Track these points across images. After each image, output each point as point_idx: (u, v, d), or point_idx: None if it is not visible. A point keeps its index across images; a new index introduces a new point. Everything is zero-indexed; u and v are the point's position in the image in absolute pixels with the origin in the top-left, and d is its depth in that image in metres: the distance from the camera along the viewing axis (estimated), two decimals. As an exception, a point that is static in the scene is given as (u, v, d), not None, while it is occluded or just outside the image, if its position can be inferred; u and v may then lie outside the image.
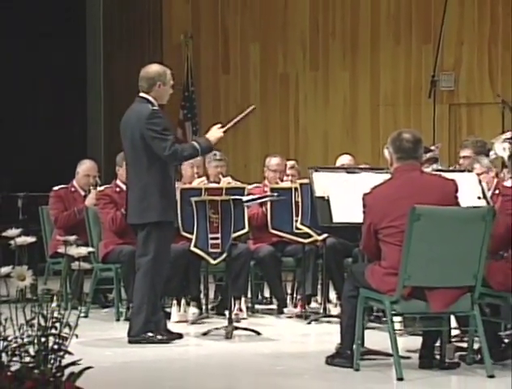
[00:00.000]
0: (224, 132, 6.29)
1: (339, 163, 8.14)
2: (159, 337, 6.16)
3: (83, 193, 8.12)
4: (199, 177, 7.77)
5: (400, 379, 4.96)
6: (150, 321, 6.17)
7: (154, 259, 6.15)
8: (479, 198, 5.80)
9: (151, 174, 6.15)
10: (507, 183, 5.74)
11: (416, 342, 5.51)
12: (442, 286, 5.11)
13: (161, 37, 12.96)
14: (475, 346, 5.36)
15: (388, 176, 5.40)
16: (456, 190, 5.26)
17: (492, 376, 5.03)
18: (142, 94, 6.28)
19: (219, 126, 6.30)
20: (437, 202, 5.14)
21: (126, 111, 6.38)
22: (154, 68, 6.35)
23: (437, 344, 5.36)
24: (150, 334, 6.15)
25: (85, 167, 8.23)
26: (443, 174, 5.57)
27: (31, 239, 3.69)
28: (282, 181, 8.05)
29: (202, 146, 6.22)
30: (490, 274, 5.25)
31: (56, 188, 8.17)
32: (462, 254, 5.10)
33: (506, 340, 5.60)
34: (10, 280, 3.57)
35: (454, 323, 5.63)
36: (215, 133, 6.27)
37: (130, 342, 6.15)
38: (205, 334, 6.60)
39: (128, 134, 6.23)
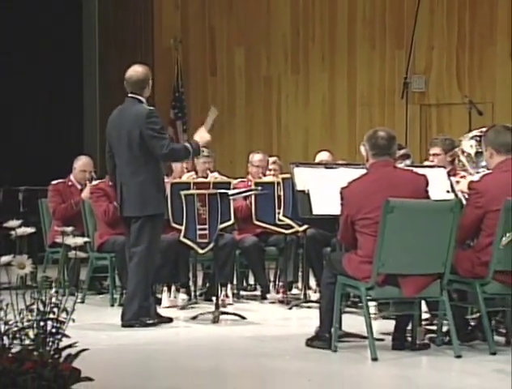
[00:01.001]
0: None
1: (318, 159, 8.14)
2: (150, 321, 6.16)
3: (79, 187, 8.14)
4: (188, 172, 7.77)
5: (375, 360, 4.97)
6: (143, 307, 6.16)
7: (147, 249, 6.14)
8: (447, 191, 5.81)
9: (147, 171, 6.14)
10: (474, 178, 5.75)
11: (390, 325, 5.52)
12: (414, 273, 5.12)
13: (152, 41, 12.93)
14: (444, 329, 5.37)
15: (364, 171, 5.40)
16: (427, 185, 5.27)
17: (459, 356, 5.06)
18: (132, 94, 6.25)
19: (203, 128, 6.31)
20: (409, 195, 5.15)
21: (117, 111, 6.32)
22: (142, 69, 6.31)
23: (409, 327, 5.37)
24: (142, 319, 6.15)
25: (81, 163, 8.24)
26: (415, 170, 5.58)
27: (30, 230, 3.68)
28: (264, 175, 8.05)
29: (194, 148, 6.23)
30: (458, 262, 5.26)
31: (54, 182, 8.18)
32: (432, 244, 5.12)
33: (472, 323, 5.62)
34: (11, 268, 3.56)
35: (424, 308, 5.65)
36: (202, 134, 6.28)
37: (123, 326, 6.14)
38: (194, 318, 6.60)
39: (124, 134, 6.17)
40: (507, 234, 4.58)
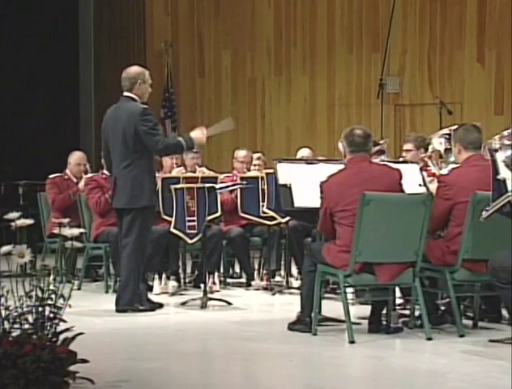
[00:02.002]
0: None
1: (299, 155, 8.14)
2: (142, 307, 6.16)
3: (75, 180, 8.17)
4: (178, 167, 7.74)
5: (352, 342, 4.98)
6: (136, 294, 6.15)
7: (138, 239, 6.12)
8: (420, 185, 5.82)
9: (140, 165, 6.12)
10: (443, 172, 5.77)
11: (366, 310, 5.53)
12: (388, 261, 5.13)
13: (144, 45, 12.89)
14: (416, 313, 5.39)
15: (342, 166, 5.40)
16: (400, 179, 5.28)
17: (430, 338, 5.08)
18: (126, 93, 6.22)
19: (204, 129, 6.30)
20: (384, 188, 5.16)
21: (112, 109, 6.30)
22: (133, 69, 6.30)
23: (384, 311, 5.38)
24: (135, 305, 6.14)
25: (76, 157, 8.27)
26: (389, 165, 5.58)
27: (29, 221, 3.67)
28: (249, 170, 8.05)
29: (188, 144, 6.21)
30: (429, 251, 5.28)
31: (51, 176, 8.19)
32: (406, 234, 5.13)
33: (443, 308, 5.64)
34: (12, 257, 3.54)
35: (398, 293, 5.66)
36: (200, 137, 6.27)
37: (117, 311, 6.13)
38: (183, 304, 6.60)
39: (119, 130, 6.14)
40: (487, 208, 4.57)
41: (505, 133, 5.92)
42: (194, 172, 7.79)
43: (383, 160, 6.35)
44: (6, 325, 3.50)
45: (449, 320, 5.43)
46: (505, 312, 5.37)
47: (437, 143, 6.42)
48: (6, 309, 3.52)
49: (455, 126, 5.90)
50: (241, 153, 8.22)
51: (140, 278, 6.24)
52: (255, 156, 8.29)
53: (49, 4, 12.17)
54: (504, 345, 4.86)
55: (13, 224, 3.65)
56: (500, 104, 11.06)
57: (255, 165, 8.11)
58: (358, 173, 5.20)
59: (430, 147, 6.59)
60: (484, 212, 4.60)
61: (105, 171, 7.64)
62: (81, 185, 7.96)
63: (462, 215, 5.20)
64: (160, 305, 6.36)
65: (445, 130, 6.51)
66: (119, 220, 6.30)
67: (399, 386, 4.07)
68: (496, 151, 4.90)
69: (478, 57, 11.22)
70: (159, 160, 7.55)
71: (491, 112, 11.06)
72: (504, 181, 4.68)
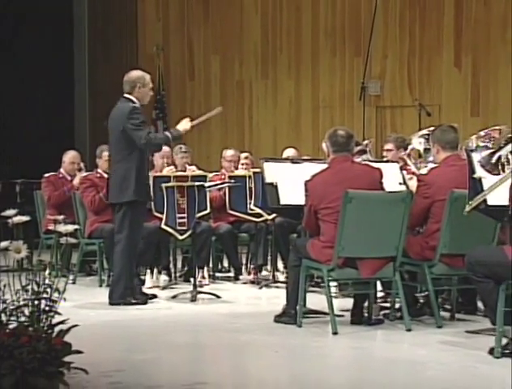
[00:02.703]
0: (192, 127, 6.29)
1: (285, 155, 8.13)
2: (134, 301, 6.15)
3: (69, 178, 8.14)
4: (168, 166, 7.73)
5: (335, 333, 4.99)
6: (128, 287, 6.14)
7: (129, 235, 6.11)
8: (400, 183, 5.83)
9: (130, 162, 6.11)
10: (422, 171, 5.78)
11: (348, 303, 5.54)
12: (370, 256, 5.14)
13: (137, 49, 12.86)
14: (397, 305, 5.40)
15: (326, 165, 5.40)
16: (381, 177, 5.29)
17: (409, 330, 5.09)
18: (125, 95, 6.23)
19: (189, 119, 6.29)
20: (366, 187, 5.16)
21: (113, 109, 6.32)
22: (134, 73, 6.32)
23: (366, 304, 5.39)
24: (128, 298, 6.13)
25: (70, 156, 8.26)
26: (371, 164, 5.59)
27: (25, 218, 3.65)
28: (236, 169, 8.05)
29: (174, 134, 6.21)
30: (409, 246, 5.29)
31: (47, 175, 8.18)
32: (386, 230, 5.14)
33: (422, 300, 5.65)
34: (9, 253, 3.52)
35: (379, 287, 5.67)
36: (184, 125, 6.27)
37: (110, 304, 6.11)
38: (174, 297, 6.58)
39: (113, 128, 6.19)
40: (470, 202, 4.58)
41: (481, 133, 5.94)
42: (184, 170, 7.78)
43: (365, 160, 6.36)
44: (4, 317, 3.48)
45: (427, 312, 5.45)
46: (480, 304, 5.38)
47: (417, 143, 6.44)
48: (4, 302, 3.50)
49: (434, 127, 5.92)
50: (228, 153, 8.23)
51: (133, 273, 6.23)
52: (243, 155, 8.28)
53: (45, 9, 12.13)
54: (480, 336, 4.87)
55: (10, 221, 3.63)
56: (476, 107, 11.10)
57: (243, 164, 8.11)
58: (341, 172, 5.20)
59: (410, 147, 6.61)
60: (467, 206, 4.62)
61: (99, 170, 7.70)
62: (75, 182, 7.95)
63: (441, 212, 5.22)
64: (154, 296, 6.36)
65: (424, 131, 6.53)
66: (114, 216, 6.30)
67: (380, 375, 4.08)
68: (472, 151, 4.91)
69: (455, 61, 11.25)
70: (150, 160, 7.53)
71: (467, 113, 11.09)
72: (479, 179, 4.70)
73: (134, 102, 6.16)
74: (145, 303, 6.20)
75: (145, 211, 6.42)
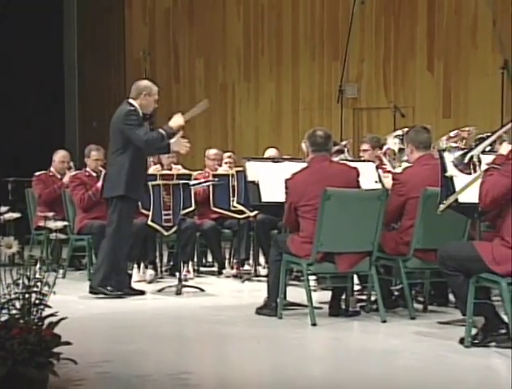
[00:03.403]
0: (186, 121, 6.29)
1: (266, 154, 8.12)
2: (118, 292, 6.12)
3: (59, 176, 8.12)
4: (155, 165, 7.71)
5: (314, 325, 5.00)
6: (108, 278, 6.10)
7: (116, 228, 6.10)
8: (375, 182, 5.84)
9: (123, 159, 6.12)
10: (397, 170, 5.79)
11: (327, 296, 5.55)
12: (347, 251, 5.14)
13: (124, 53, 12.81)
14: (372, 298, 5.41)
15: (305, 165, 5.41)
16: (358, 176, 5.29)
17: (384, 321, 5.10)
18: (130, 99, 6.24)
19: (180, 114, 6.30)
20: (344, 185, 5.17)
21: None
22: (143, 82, 6.39)
23: (343, 296, 5.40)
24: (109, 288, 6.10)
25: (60, 155, 8.24)
26: (348, 163, 5.60)
27: (16, 215, 3.63)
28: (220, 166, 8.05)
29: (167, 131, 6.17)
30: (384, 241, 5.30)
31: (37, 174, 8.16)
32: (363, 226, 5.14)
33: (396, 293, 5.67)
34: (0, 248, 3.49)
35: (356, 280, 5.68)
36: (176, 120, 6.26)
37: (90, 292, 6.10)
38: (160, 290, 6.57)
39: (112, 129, 6.23)
40: (444, 201, 4.60)
41: (452, 134, 5.97)
42: (170, 169, 7.76)
43: (342, 159, 6.37)
44: (-5, 310, 3.46)
45: (401, 304, 5.46)
46: (451, 297, 5.42)
47: (392, 143, 6.46)
48: (-5, 296, 3.47)
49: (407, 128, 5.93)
50: (211, 151, 8.25)
51: (118, 265, 6.16)
52: (226, 155, 8.27)
53: (37, 11, 12.06)
54: (451, 326, 4.90)
55: (2, 217, 3.60)
56: (447, 109, 11.15)
57: (226, 163, 8.10)
58: (319, 171, 5.20)
59: (385, 147, 6.63)
60: (441, 206, 4.64)
61: (88, 169, 7.70)
62: (65, 180, 7.94)
63: (414, 209, 5.24)
64: (142, 293, 6.33)
65: (399, 132, 6.55)
66: (104, 212, 6.35)
67: (357, 364, 4.09)
68: (444, 150, 4.94)
69: (428, 66, 11.29)
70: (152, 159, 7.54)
71: (439, 115, 11.14)
72: (451, 178, 4.72)
73: (133, 106, 6.16)
74: (123, 296, 6.12)
75: (135, 208, 6.42)
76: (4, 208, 3.61)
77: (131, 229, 6.30)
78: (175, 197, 6.93)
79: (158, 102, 6.37)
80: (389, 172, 6.18)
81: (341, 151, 6.78)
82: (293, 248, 5.17)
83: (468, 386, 3.69)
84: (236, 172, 7.31)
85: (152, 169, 7.49)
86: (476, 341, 4.29)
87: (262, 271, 7.29)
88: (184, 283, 6.62)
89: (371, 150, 6.78)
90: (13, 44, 11.68)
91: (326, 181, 5.10)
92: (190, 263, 7.39)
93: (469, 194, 4.50)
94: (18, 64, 11.73)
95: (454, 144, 6.03)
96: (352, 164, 5.48)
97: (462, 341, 4.34)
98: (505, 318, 4.22)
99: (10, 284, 3.46)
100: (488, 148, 4.50)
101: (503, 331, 4.22)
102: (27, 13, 11.97)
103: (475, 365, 3.99)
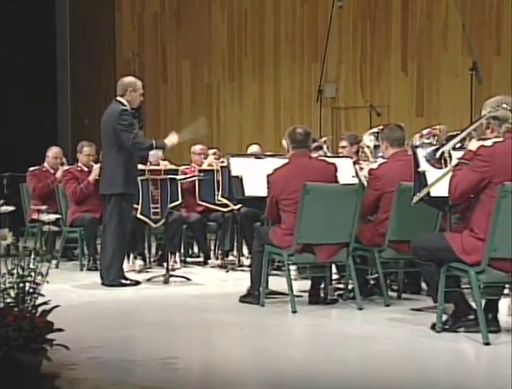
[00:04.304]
0: (179, 141, 6.33)
1: (249, 151, 8.13)
2: (128, 282, 6.17)
3: (52, 171, 8.08)
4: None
5: (294, 312, 5.01)
6: (121, 270, 6.15)
7: (119, 223, 6.12)
8: (352, 176, 5.86)
9: (118, 158, 6.12)
10: (373, 165, 5.81)
11: (306, 284, 5.56)
12: (326, 243, 5.16)
13: (114, 54, 12.75)
14: (350, 287, 5.43)
15: (286, 160, 5.41)
16: (336, 171, 5.31)
17: (361, 308, 5.12)
18: (118, 98, 6.20)
19: (175, 133, 6.30)
20: (322, 180, 5.18)
21: (105, 111, 6.30)
22: (127, 78, 6.34)
23: (322, 285, 5.41)
24: (122, 280, 6.13)
25: (53, 151, 8.21)
26: (327, 159, 5.60)
27: (11, 208, 3.61)
28: (206, 159, 8.07)
29: (158, 144, 6.24)
30: (360, 233, 5.32)
31: (31, 169, 8.12)
32: (341, 219, 5.16)
33: (372, 282, 5.69)
34: (-5, 240, 3.47)
35: (334, 270, 5.70)
36: (172, 139, 6.28)
37: (107, 285, 6.10)
38: (148, 280, 6.55)
39: (104, 127, 6.20)
40: (417, 194, 4.62)
41: (424, 132, 5.99)
42: (158, 165, 7.73)
43: (321, 155, 6.37)
44: (-9, 299, 3.43)
45: (377, 292, 5.49)
46: (424, 285, 5.44)
47: (368, 140, 6.47)
48: (-9, 285, 3.45)
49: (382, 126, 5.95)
50: (197, 147, 8.29)
51: (123, 256, 6.24)
52: (211, 151, 8.27)
53: (30, 11, 11.98)
54: (423, 313, 4.92)
55: (-4, 210, 3.58)
56: (420, 108, 11.19)
57: (214, 153, 8.16)
58: (299, 167, 5.21)
59: (362, 144, 6.64)
60: (414, 198, 4.66)
61: (80, 164, 7.69)
62: (58, 174, 7.90)
63: (389, 202, 5.26)
64: (137, 283, 6.31)
65: (375, 129, 6.56)
66: (103, 205, 6.34)
67: (335, 348, 4.10)
68: (417, 147, 4.96)
69: (402, 66, 11.32)
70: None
71: (413, 114, 11.18)
72: (423, 173, 4.74)
73: (124, 104, 6.14)
74: (137, 284, 6.18)
75: (132, 202, 6.41)
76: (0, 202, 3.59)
77: (131, 220, 6.32)
78: (163, 191, 6.91)
79: (145, 100, 6.36)
80: (362, 168, 6.18)
81: (320, 148, 6.79)
82: (275, 239, 5.17)
83: (439, 368, 3.72)
84: (221, 167, 7.30)
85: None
86: (447, 327, 4.32)
87: (246, 262, 7.29)
88: (171, 273, 6.61)
89: (349, 147, 6.79)
90: (6, 44, 11.58)
91: (305, 176, 5.11)
92: (177, 254, 7.38)
93: (440, 188, 4.53)
94: (12, 64, 11.64)
95: (426, 141, 6.05)
96: (331, 160, 5.49)
97: (433, 327, 4.36)
98: (474, 305, 4.25)
99: (6, 274, 3.43)
100: (458, 145, 4.52)
101: (471, 317, 4.25)
102: (19, 13, 11.88)
103: (445, 349, 4.02)
